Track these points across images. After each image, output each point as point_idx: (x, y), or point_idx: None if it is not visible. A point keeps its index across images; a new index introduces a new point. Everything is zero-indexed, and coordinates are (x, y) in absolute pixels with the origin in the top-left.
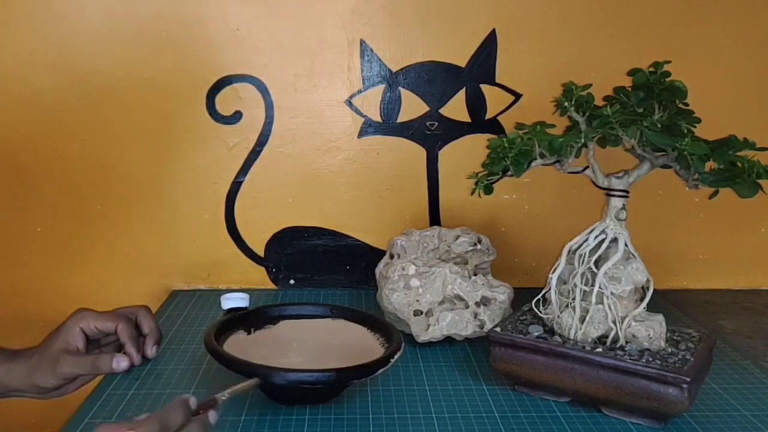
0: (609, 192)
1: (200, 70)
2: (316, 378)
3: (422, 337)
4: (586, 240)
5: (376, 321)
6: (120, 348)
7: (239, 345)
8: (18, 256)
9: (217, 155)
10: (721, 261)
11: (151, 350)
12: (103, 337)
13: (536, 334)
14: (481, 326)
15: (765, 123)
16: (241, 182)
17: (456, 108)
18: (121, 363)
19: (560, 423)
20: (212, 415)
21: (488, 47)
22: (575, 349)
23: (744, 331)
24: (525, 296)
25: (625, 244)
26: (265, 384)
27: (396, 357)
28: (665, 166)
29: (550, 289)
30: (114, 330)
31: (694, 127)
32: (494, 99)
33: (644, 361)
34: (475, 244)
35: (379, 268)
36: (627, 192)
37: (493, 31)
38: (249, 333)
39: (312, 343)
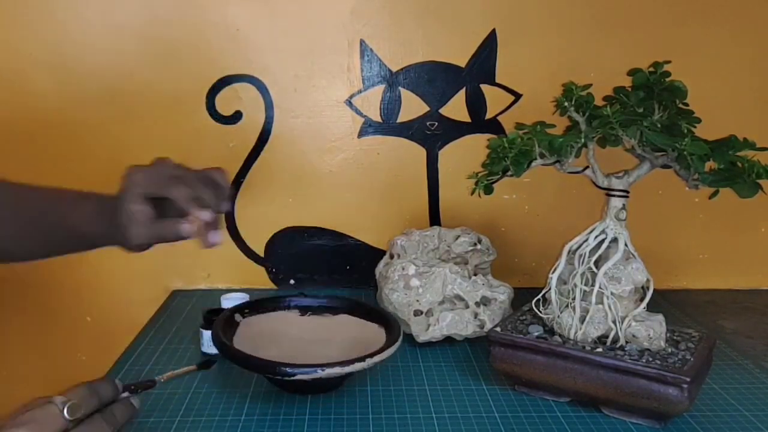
0: (609, 192)
1: (200, 70)
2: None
3: (422, 337)
4: (586, 240)
5: (371, 310)
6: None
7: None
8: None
9: (217, 155)
10: (721, 261)
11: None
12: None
13: (536, 334)
14: (481, 326)
15: (765, 123)
16: (241, 182)
17: (456, 108)
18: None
19: (560, 423)
20: (135, 400)
21: (488, 47)
22: (575, 349)
23: (744, 331)
24: (525, 296)
25: (625, 244)
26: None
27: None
28: (665, 166)
29: (550, 289)
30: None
31: (694, 127)
32: (494, 99)
33: (644, 361)
34: (475, 244)
35: (379, 268)
36: (627, 192)
37: (493, 31)
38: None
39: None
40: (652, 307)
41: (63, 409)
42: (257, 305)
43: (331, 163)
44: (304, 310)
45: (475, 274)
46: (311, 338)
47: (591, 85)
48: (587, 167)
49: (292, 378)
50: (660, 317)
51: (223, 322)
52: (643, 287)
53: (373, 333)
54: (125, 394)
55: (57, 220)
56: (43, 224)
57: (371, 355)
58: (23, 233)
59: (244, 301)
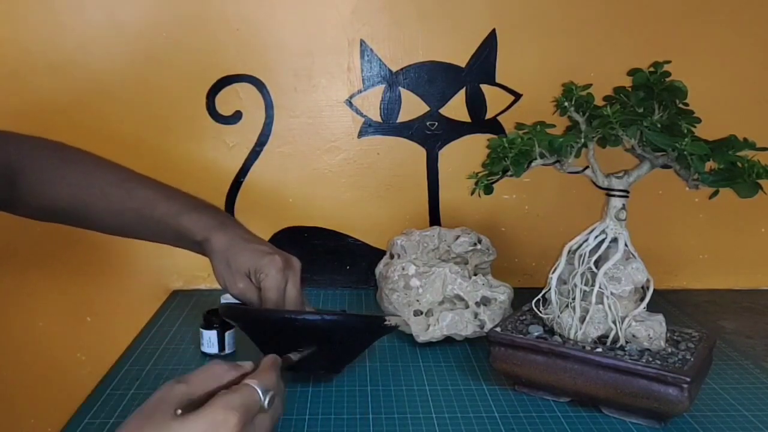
0: (609, 192)
1: (200, 70)
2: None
3: (422, 337)
4: (586, 240)
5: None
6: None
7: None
8: (18, 256)
9: (217, 155)
10: (721, 261)
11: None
12: None
13: (536, 334)
14: (481, 326)
15: (765, 123)
16: (241, 182)
17: (456, 108)
18: None
19: (560, 423)
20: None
21: (488, 47)
22: (575, 349)
23: (744, 331)
24: (525, 296)
25: (625, 244)
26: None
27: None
28: (665, 166)
29: (550, 289)
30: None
31: (694, 127)
32: (494, 99)
33: (644, 361)
34: (475, 244)
35: (379, 268)
36: (627, 192)
37: (493, 31)
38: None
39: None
40: (652, 307)
41: (264, 400)
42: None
43: (331, 163)
44: None
45: (475, 274)
46: None
47: (591, 85)
48: (587, 167)
49: (301, 322)
50: (660, 317)
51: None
52: (643, 287)
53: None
54: None
55: (162, 216)
56: (144, 214)
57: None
58: (118, 213)
59: None
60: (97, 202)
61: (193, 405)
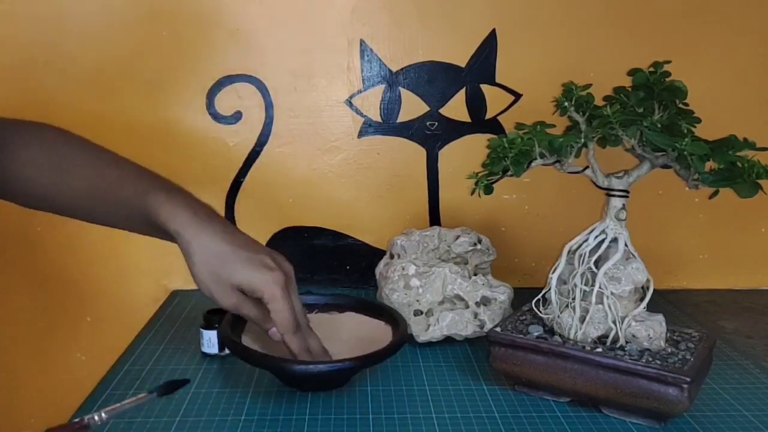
0: (609, 192)
1: (200, 70)
2: (332, 368)
3: (422, 337)
4: (586, 240)
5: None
6: None
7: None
8: (18, 256)
9: (217, 155)
10: (721, 261)
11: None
12: None
13: (536, 334)
14: (481, 326)
15: (765, 123)
16: (241, 182)
17: (456, 108)
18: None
19: (560, 423)
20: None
21: (488, 47)
22: (575, 349)
23: (744, 331)
24: (525, 296)
25: (625, 244)
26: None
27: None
28: (665, 166)
29: (550, 289)
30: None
31: (694, 127)
32: (494, 99)
33: (644, 361)
34: (475, 244)
35: (379, 268)
36: (627, 192)
37: (493, 31)
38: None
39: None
40: (652, 307)
41: None
42: None
43: (331, 163)
44: (310, 308)
45: (475, 274)
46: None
47: (591, 85)
48: (587, 167)
49: (302, 372)
50: (660, 317)
51: (230, 321)
52: (643, 287)
53: (379, 330)
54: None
55: (136, 208)
56: (119, 204)
57: (380, 353)
58: (94, 201)
59: None
60: (70, 185)
61: None
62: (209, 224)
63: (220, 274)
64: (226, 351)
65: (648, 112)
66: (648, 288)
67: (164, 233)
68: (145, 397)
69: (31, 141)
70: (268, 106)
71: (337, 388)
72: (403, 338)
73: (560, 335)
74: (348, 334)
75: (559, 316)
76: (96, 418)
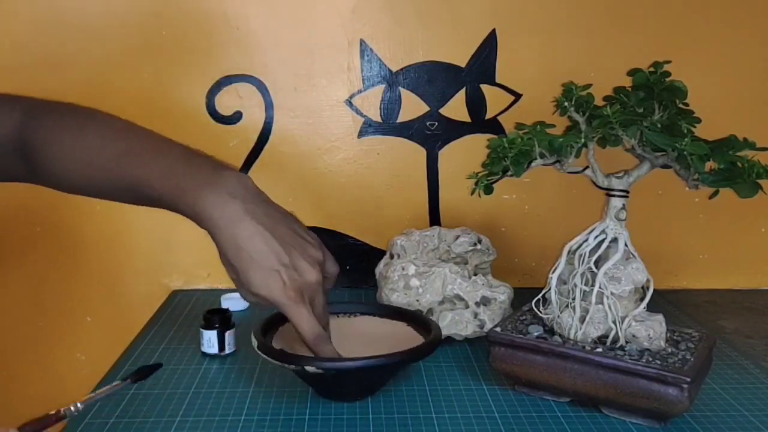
0: (609, 192)
1: (200, 70)
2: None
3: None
4: (586, 240)
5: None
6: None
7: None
8: (18, 257)
9: (217, 155)
10: (721, 261)
11: None
12: None
13: (536, 334)
14: (481, 326)
15: (765, 123)
16: None
17: (456, 108)
18: None
19: (560, 423)
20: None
21: (488, 47)
22: (575, 349)
23: (744, 331)
24: (525, 296)
25: (625, 244)
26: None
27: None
28: (665, 166)
29: (550, 289)
30: None
31: (694, 127)
32: (494, 99)
33: (644, 361)
34: (475, 244)
35: (379, 268)
36: (627, 192)
37: (493, 31)
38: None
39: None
40: (652, 307)
41: None
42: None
43: (331, 163)
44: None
45: (475, 274)
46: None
47: (591, 85)
48: (587, 167)
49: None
50: (660, 317)
51: (262, 324)
52: (643, 287)
53: (405, 332)
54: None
55: (160, 196)
56: (143, 191)
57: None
58: (121, 188)
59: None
60: (96, 178)
61: None
62: (236, 226)
63: (239, 278)
64: (227, 351)
65: (648, 112)
66: (648, 288)
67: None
68: (120, 384)
69: (70, 129)
70: (268, 106)
71: (371, 394)
72: (438, 334)
73: (560, 335)
74: (365, 338)
75: (559, 316)
76: (72, 408)
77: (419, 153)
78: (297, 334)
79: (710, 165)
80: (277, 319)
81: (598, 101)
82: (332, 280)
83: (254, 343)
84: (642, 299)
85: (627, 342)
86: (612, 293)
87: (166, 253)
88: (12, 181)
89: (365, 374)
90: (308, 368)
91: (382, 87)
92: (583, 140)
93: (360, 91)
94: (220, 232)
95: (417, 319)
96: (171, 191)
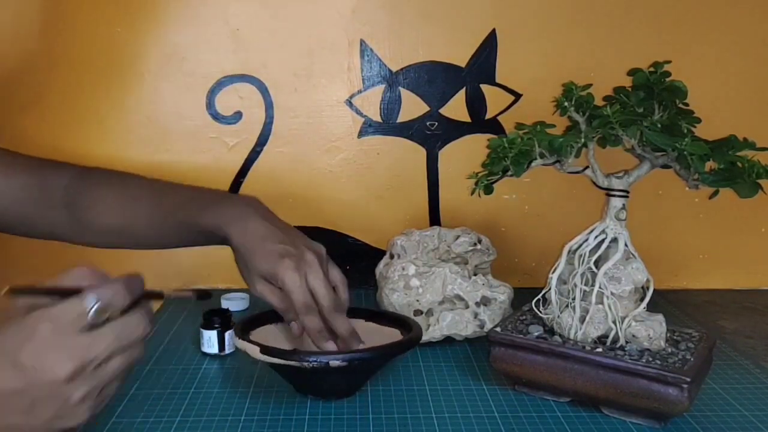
0: (609, 192)
1: (200, 70)
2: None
3: (422, 337)
4: (586, 240)
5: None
6: None
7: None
8: (18, 257)
9: (217, 155)
10: (721, 261)
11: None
12: None
13: (536, 334)
14: (481, 326)
15: (765, 123)
16: (241, 182)
17: (456, 108)
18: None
19: (560, 423)
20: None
21: (488, 47)
22: (575, 349)
23: (744, 331)
24: (525, 296)
25: (625, 244)
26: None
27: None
28: (665, 166)
29: (550, 289)
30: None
31: (694, 127)
32: (494, 99)
33: (644, 361)
34: (475, 244)
35: (379, 268)
36: (627, 192)
37: (493, 31)
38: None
39: None
40: (652, 307)
41: (90, 309)
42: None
43: (331, 163)
44: None
45: (475, 274)
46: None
47: (591, 85)
48: (587, 167)
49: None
50: (660, 317)
51: (242, 322)
52: (643, 287)
53: (391, 336)
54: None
55: (187, 218)
56: (175, 219)
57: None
58: (159, 225)
59: (243, 302)
60: (140, 222)
61: (32, 290)
62: (250, 221)
63: (247, 264)
64: (227, 351)
65: (648, 112)
66: (648, 288)
67: (223, 241)
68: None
69: (106, 190)
70: (268, 106)
71: (358, 390)
72: (418, 333)
73: (560, 335)
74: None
75: (559, 316)
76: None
77: (419, 153)
78: (290, 317)
79: (710, 165)
80: (253, 321)
81: (598, 101)
82: (342, 288)
83: (250, 349)
84: (642, 299)
85: (627, 342)
86: (612, 293)
87: (166, 253)
88: (52, 238)
89: (346, 371)
90: (303, 364)
91: (382, 87)
92: (583, 140)
93: (360, 91)
94: (234, 227)
95: (398, 321)
96: (196, 208)
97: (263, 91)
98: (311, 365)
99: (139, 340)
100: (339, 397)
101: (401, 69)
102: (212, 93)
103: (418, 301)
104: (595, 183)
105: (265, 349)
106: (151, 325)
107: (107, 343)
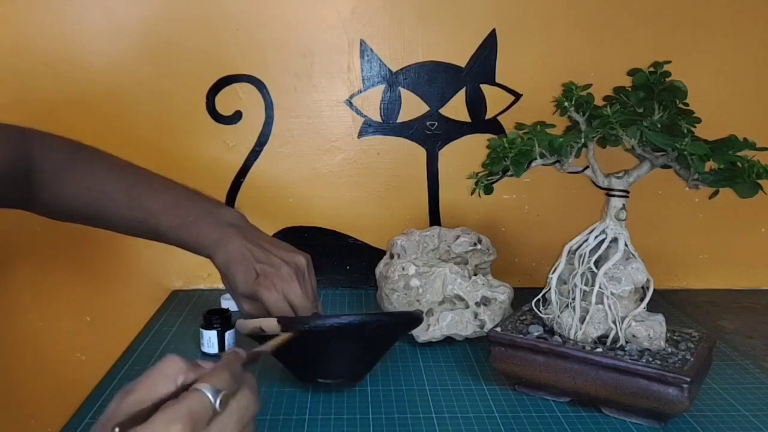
0: (609, 192)
1: (200, 70)
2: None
3: (422, 337)
4: (586, 240)
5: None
6: None
7: None
8: (17, 256)
9: (217, 155)
10: (721, 261)
11: None
12: None
13: (536, 334)
14: (481, 326)
15: (765, 123)
16: (241, 182)
17: (456, 108)
18: None
19: (560, 423)
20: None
21: (488, 47)
22: (575, 349)
23: (744, 331)
24: (525, 296)
25: (625, 244)
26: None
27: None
28: (665, 166)
29: (550, 289)
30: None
31: (694, 127)
32: (494, 99)
33: (644, 361)
34: (475, 244)
35: (379, 268)
36: (627, 192)
37: (493, 31)
38: None
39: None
40: (652, 307)
41: (216, 402)
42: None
43: (331, 163)
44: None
45: (475, 274)
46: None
47: (591, 85)
48: (587, 167)
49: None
50: (660, 317)
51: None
52: (643, 287)
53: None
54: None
55: (168, 231)
56: (155, 223)
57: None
58: (135, 228)
59: None
60: (106, 207)
61: (141, 416)
62: (232, 240)
63: (231, 284)
64: (226, 351)
65: (648, 112)
66: (648, 288)
67: (204, 256)
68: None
69: (72, 164)
70: (268, 106)
71: (353, 382)
72: (419, 314)
73: (560, 335)
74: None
75: (559, 316)
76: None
77: (419, 153)
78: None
79: (710, 165)
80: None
81: (598, 101)
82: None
83: (266, 324)
84: (642, 299)
85: (627, 342)
86: (612, 293)
87: (166, 253)
88: (6, 207)
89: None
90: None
91: (382, 87)
92: (583, 140)
93: (360, 91)
94: (218, 250)
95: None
96: (177, 223)
97: (263, 91)
98: (330, 325)
99: (254, 418)
100: (345, 381)
101: (401, 69)
102: (212, 93)
103: (418, 301)
104: (595, 183)
105: (282, 319)
106: (259, 401)
107: (231, 429)
